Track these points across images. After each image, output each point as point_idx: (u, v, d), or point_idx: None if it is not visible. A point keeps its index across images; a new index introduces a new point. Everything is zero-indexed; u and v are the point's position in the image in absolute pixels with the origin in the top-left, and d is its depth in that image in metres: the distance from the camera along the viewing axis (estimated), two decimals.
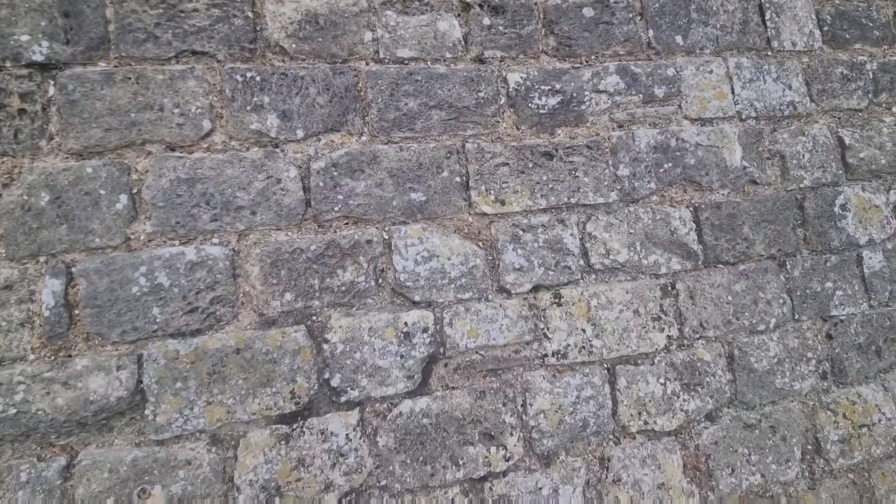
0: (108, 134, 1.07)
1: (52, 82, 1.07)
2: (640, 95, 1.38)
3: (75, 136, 1.06)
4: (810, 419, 1.37)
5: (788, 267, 1.43)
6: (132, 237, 1.06)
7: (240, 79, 1.15)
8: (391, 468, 1.11)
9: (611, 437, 1.25)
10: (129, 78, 1.09)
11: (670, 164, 1.38)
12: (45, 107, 1.06)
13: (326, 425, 1.10)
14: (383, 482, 1.11)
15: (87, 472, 0.98)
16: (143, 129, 1.09)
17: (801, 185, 1.47)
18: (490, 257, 1.24)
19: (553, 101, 1.32)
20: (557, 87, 1.34)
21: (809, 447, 1.36)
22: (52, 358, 0.99)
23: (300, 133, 1.17)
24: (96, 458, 0.99)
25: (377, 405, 1.13)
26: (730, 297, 1.37)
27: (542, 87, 1.33)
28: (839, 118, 1.54)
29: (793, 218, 1.45)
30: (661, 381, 1.29)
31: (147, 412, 1.02)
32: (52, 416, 0.98)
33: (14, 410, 0.96)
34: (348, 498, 1.08)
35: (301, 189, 1.15)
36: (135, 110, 1.08)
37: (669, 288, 1.33)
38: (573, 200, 1.30)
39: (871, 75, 1.59)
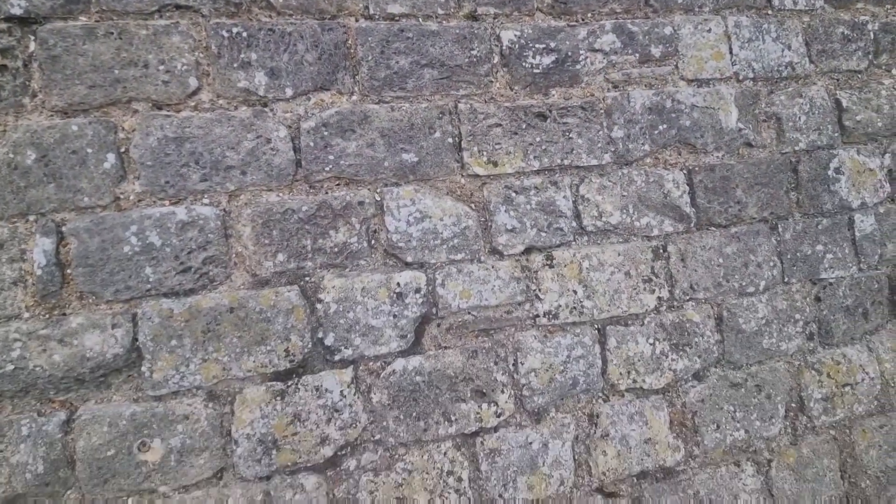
0: (93, 91, 1.05)
1: (32, 37, 1.04)
2: (637, 55, 1.36)
3: (59, 93, 1.03)
4: (795, 378, 1.41)
5: (780, 230, 1.43)
6: (121, 196, 1.05)
7: (226, 35, 1.12)
8: (385, 423, 1.14)
9: (600, 394, 1.28)
10: (112, 33, 1.06)
11: (665, 126, 1.36)
12: (27, 63, 1.03)
13: (321, 382, 1.12)
14: (377, 437, 1.14)
15: (87, 427, 1.00)
16: (128, 86, 1.06)
17: (796, 148, 1.46)
18: (482, 219, 1.24)
19: (547, 60, 1.30)
20: (552, 45, 1.31)
21: (793, 405, 1.40)
22: (47, 316, 1.00)
23: (289, 91, 1.15)
24: (95, 413, 1.01)
25: (371, 363, 1.15)
26: (721, 260, 1.38)
27: (537, 45, 1.30)
28: (838, 80, 1.52)
29: (786, 181, 1.45)
30: (651, 341, 1.31)
31: (144, 369, 1.03)
32: (50, 373, 0.99)
33: (12, 367, 0.98)
34: (343, 451, 1.11)
35: (291, 149, 1.14)
36: (118, 67, 1.06)
37: (661, 250, 1.34)
38: (566, 162, 1.30)
39: (872, 36, 1.56)
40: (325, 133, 1.16)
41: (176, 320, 1.05)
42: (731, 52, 1.43)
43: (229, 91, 1.12)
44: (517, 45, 1.29)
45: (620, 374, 1.29)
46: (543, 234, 1.27)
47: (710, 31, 1.42)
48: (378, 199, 1.18)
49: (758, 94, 1.45)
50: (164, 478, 1.02)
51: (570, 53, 1.32)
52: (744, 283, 1.39)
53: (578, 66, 1.32)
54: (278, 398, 1.09)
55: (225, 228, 1.10)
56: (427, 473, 1.15)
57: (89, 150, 1.04)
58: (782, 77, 1.47)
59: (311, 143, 1.15)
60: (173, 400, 1.04)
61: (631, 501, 1.24)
